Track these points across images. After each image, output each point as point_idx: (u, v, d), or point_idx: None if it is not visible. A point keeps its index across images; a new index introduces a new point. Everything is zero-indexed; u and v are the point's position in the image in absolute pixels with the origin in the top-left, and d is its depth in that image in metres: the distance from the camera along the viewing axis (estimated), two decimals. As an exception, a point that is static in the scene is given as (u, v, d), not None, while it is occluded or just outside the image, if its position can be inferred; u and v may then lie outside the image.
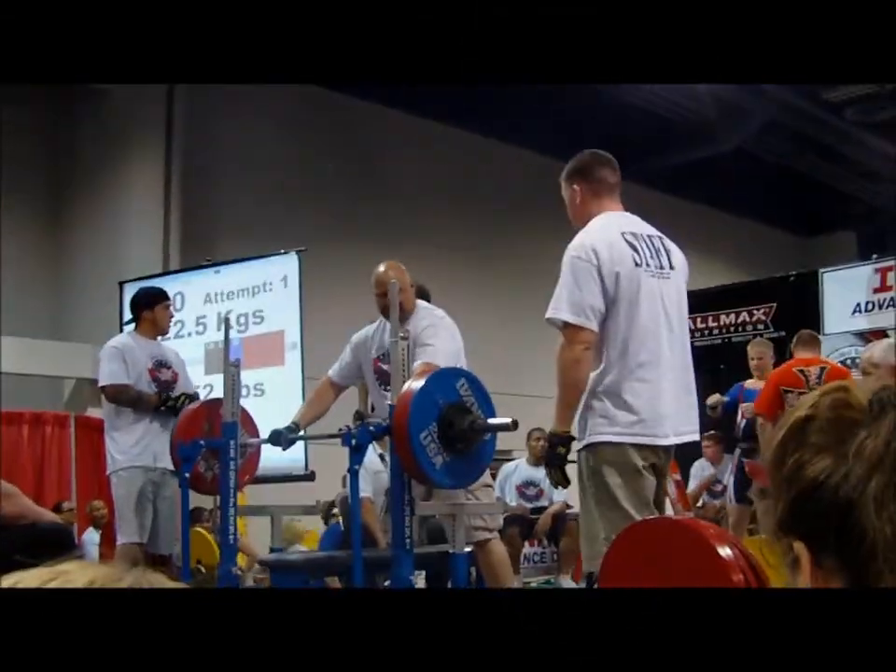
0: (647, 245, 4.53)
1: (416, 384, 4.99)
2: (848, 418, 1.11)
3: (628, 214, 4.71)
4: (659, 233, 4.70)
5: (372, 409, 7.40)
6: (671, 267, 4.58)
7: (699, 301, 12.42)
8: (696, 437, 4.64)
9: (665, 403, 4.40)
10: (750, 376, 9.08)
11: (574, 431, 4.45)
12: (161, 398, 6.81)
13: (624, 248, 4.42)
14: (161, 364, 7.03)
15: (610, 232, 4.46)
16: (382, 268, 6.07)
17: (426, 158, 15.27)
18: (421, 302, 6.06)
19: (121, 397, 6.84)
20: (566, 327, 4.32)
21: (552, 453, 4.46)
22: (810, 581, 1.09)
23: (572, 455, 4.46)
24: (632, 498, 4.32)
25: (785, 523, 1.12)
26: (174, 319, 7.73)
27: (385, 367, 5.97)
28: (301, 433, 6.36)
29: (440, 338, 5.77)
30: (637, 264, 4.41)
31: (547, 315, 4.39)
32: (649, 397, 4.36)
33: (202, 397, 8.60)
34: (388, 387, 5.89)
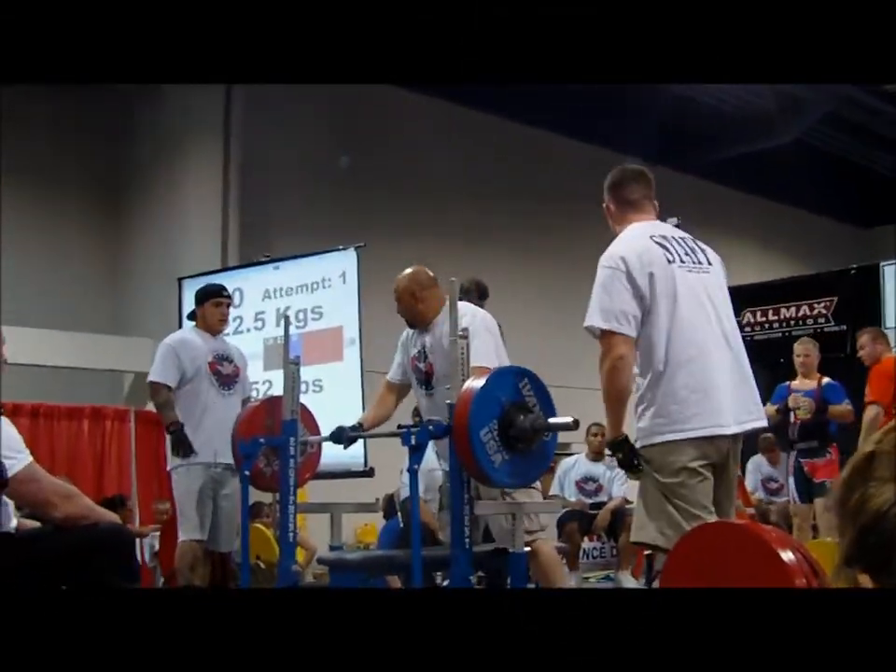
0: (678, 245, 4.59)
1: (478, 382, 4.99)
2: None
3: (657, 222, 4.78)
4: (690, 236, 4.76)
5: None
6: (708, 262, 4.64)
7: (759, 295, 12.35)
8: (762, 423, 4.62)
9: (720, 394, 4.39)
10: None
11: (633, 430, 4.47)
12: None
13: (655, 249, 4.48)
14: (222, 358, 7.07)
15: (638, 239, 4.53)
16: (399, 277, 6.10)
17: (483, 153, 15.26)
18: (462, 304, 5.98)
19: (155, 396, 6.94)
20: (601, 334, 4.38)
21: (619, 459, 4.51)
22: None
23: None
24: (687, 499, 4.33)
25: (850, 557, 1.12)
26: (232, 315, 7.76)
27: (420, 366, 6.06)
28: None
29: (479, 338, 5.74)
30: (669, 261, 4.46)
31: (584, 325, 4.46)
32: (702, 389, 4.36)
33: (260, 393, 8.65)
34: (427, 386, 6.04)
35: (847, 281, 11.80)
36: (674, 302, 4.42)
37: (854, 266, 11.97)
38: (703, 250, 4.69)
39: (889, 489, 1.10)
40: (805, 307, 11.90)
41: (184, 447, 6.76)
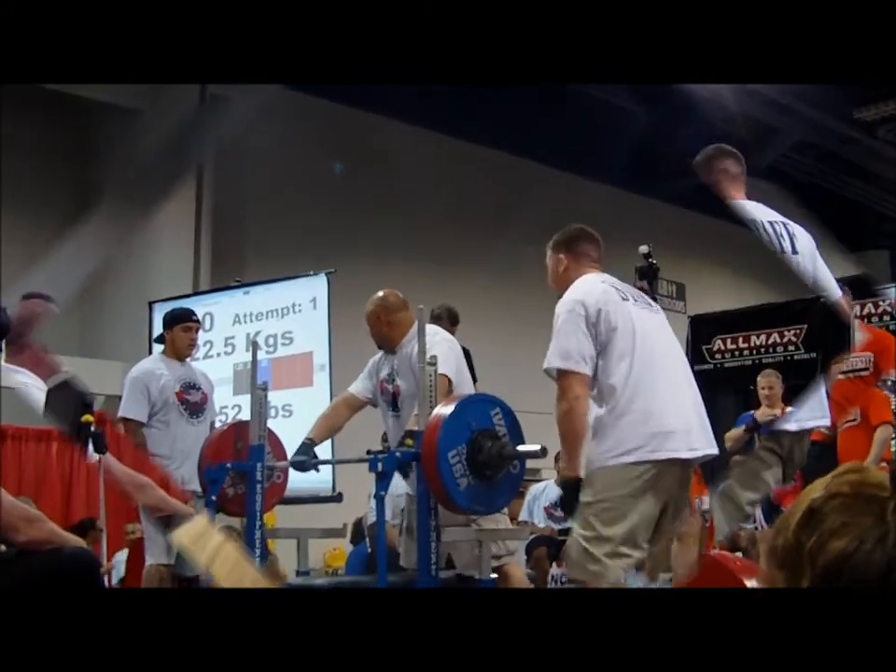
0: (627, 289, 4.88)
1: (449, 407, 5.01)
2: (868, 494, 1.12)
3: (606, 275, 4.99)
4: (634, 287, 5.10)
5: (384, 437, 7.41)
6: (655, 308, 4.96)
7: (729, 322, 12.38)
8: (714, 452, 4.70)
9: (674, 421, 4.54)
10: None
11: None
12: None
13: (609, 289, 4.74)
14: (189, 386, 7.05)
15: (592, 284, 4.78)
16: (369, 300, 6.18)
17: (456, 179, 15.28)
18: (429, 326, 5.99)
19: (128, 434, 6.92)
20: (559, 374, 4.58)
21: (566, 498, 4.65)
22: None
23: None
24: (635, 516, 4.46)
25: None
26: (202, 340, 7.74)
27: (389, 387, 6.10)
28: (321, 453, 6.38)
29: (439, 347, 5.75)
30: (623, 299, 4.72)
31: (543, 367, 4.65)
32: (658, 416, 4.51)
33: (229, 418, 8.63)
34: (394, 408, 6.09)
35: (816, 309, 11.74)
36: (632, 333, 4.61)
37: (824, 293, 12.00)
38: (647, 293, 5.06)
39: (850, 530, 1.10)
40: (776, 335, 11.92)
41: None
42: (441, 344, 5.71)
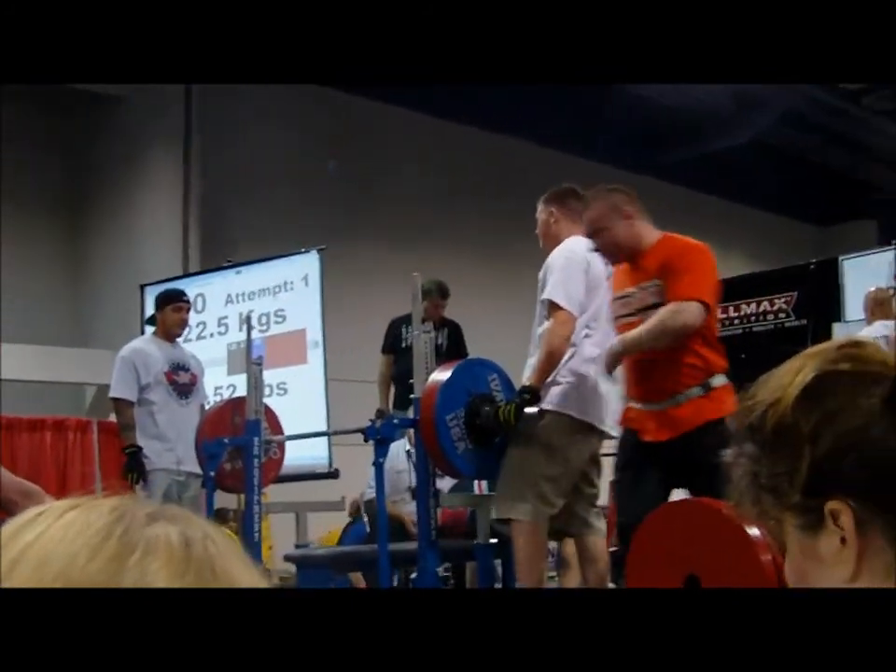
0: (608, 266, 5.29)
1: (446, 373, 5.05)
2: (873, 372, 1.10)
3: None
4: None
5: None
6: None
7: (719, 292, 12.39)
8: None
9: (607, 397, 5.19)
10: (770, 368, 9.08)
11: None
12: (126, 449, 6.78)
13: (595, 260, 5.17)
14: (178, 367, 7.03)
15: (588, 248, 5.16)
16: None
17: (447, 156, 15.24)
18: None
19: (119, 416, 6.91)
20: (557, 309, 5.04)
21: (521, 402, 5.06)
22: (854, 536, 1.07)
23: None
24: (553, 468, 5.03)
25: (815, 482, 1.10)
26: (195, 321, 7.72)
27: None
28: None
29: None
30: (606, 277, 5.21)
31: (544, 296, 5.13)
32: (601, 387, 5.13)
33: (224, 398, 8.63)
34: None
35: (806, 276, 11.84)
36: (599, 312, 5.18)
37: (813, 261, 12.02)
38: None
39: (857, 408, 1.09)
40: (766, 303, 11.92)
41: (137, 472, 6.69)
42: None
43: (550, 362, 5.04)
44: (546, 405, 5.07)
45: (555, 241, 5.39)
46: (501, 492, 5.09)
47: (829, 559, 1.10)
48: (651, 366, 4.74)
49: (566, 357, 5.09)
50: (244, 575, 0.71)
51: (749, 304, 12.05)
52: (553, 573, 8.80)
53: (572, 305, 5.05)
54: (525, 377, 5.20)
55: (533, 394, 5.05)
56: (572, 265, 5.14)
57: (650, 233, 4.92)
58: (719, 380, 4.73)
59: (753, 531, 3.44)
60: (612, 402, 5.21)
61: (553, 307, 5.06)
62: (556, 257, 5.23)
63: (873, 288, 9.17)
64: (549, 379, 5.09)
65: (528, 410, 5.05)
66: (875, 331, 8.15)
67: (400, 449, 7.41)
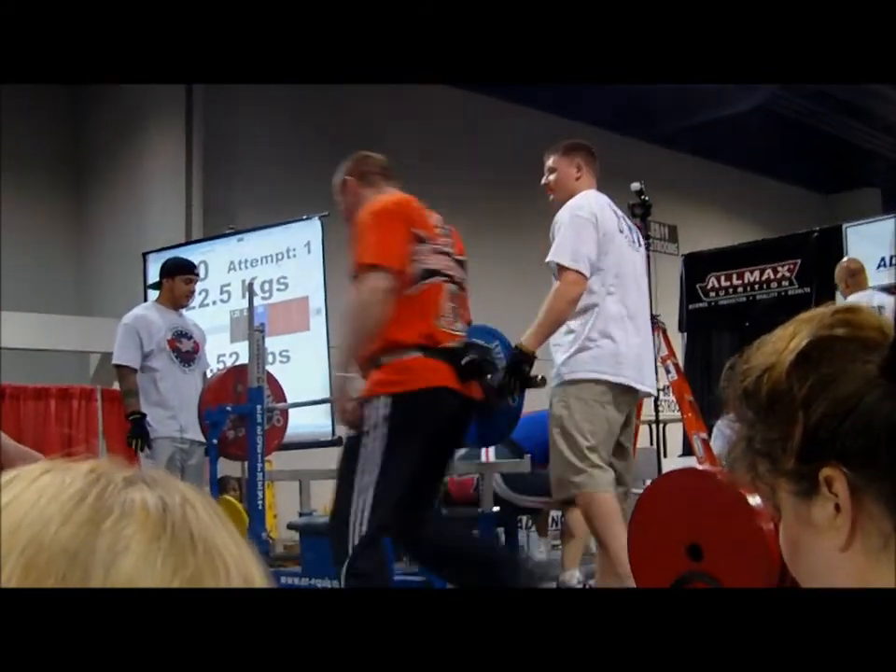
0: (624, 220, 5.20)
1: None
2: (865, 338, 1.10)
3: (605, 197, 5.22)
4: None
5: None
6: (638, 244, 5.27)
7: (722, 259, 12.41)
8: (653, 392, 5.33)
9: (637, 354, 4.99)
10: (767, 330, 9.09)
11: (556, 367, 4.99)
12: (130, 416, 6.78)
13: (611, 215, 5.02)
14: (181, 334, 7.03)
15: (601, 202, 5.05)
16: None
17: (449, 122, 15.20)
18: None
19: (121, 382, 6.91)
20: (564, 270, 4.80)
21: (517, 366, 4.69)
22: (848, 503, 1.07)
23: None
24: (592, 436, 4.79)
25: (810, 448, 1.09)
26: (198, 288, 7.72)
27: None
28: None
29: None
30: (620, 231, 5.04)
31: (547, 259, 4.91)
32: (627, 345, 4.92)
33: (227, 366, 8.64)
34: None
35: (810, 244, 11.85)
36: (618, 267, 4.96)
37: (817, 229, 12.02)
38: (635, 230, 5.35)
39: (853, 374, 1.08)
40: (769, 271, 11.94)
41: (142, 439, 6.70)
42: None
43: (548, 323, 4.80)
44: (579, 373, 4.85)
45: (571, 194, 5.12)
46: (554, 474, 4.90)
47: (822, 525, 1.10)
48: None
49: (590, 320, 4.87)
50: (224, 540, 0.70)
51: (752, 272, 12.07)
52: (557, 542, 8.84)
53: (580, 264, 4.81)
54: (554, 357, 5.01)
55: (526, 356, 4.73)
56: (578, 221, 4.88)
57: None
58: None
59: (754, 500, 3.44)
60: (647, 359, 5.11)
61: (559, 269, 4.83)
62: (562, 214, 4.98)
63: (845, 259, 9.19)
64: (576, 347, 4.86)
65: (565, 378, 4.88)
66: (868, 298, 8.17)
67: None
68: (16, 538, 0.64)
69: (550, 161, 5.27)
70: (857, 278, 8.82)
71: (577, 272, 4.77)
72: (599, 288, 4.87)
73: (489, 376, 4.99)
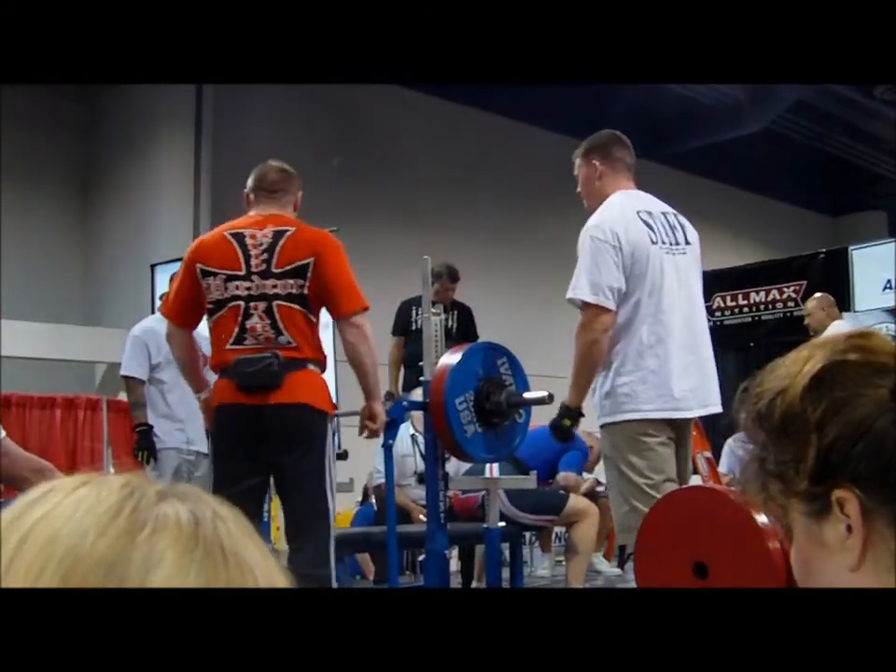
0: (662, 223, 4.62)
1: (456, 356, 5.04)
2: (880, 363, 1.12)
3: (642, 193, 4.77)
4: (673, 210, 4.77)
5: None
6: (686, 242, 4.67)
7: (728, 280, 12.41)
8: (718, 409, 4.62)
9: (681, 378, 4.46)
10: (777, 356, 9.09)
11: (594, 408, 4.59)
12: (137, 427, 6.81)
13: (640, 227, 4.50)
14: None
15: (627, 211, 4.54)
16: None
17: (459, 140, 15.25)
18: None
19: (129, 394, 6.93)
20: (585, 307, 4.42)
21: (558, 423, 4.62)
22: (860, 524, 1.09)
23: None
24: (651, 472, 4.40)
25: (822, 470, 1.11)
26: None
27: None
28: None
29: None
30: (652, 242, 4.50)
31: (567, 296, 4.49)
32: (665, 372, 4.43)
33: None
34: None
35: (816, 265, 11.88)
36: (651, 286, 4.46)
37: (823, 250, 12.05)
38: (683, 227, 4.71)
39: (866, 398, 1.10)
40: (775, 291, 11.96)
41: (148, 451, 6.71)
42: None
43: (581, 371, 4.47)
44: (616, 415, 4.45)
45: (601, 198, 4.65)
46: (618, 520, 4.56)
47: (834, 546, 1.12)
48: None
49: (619, 355, 4.46)
50: (253, 554, 0.71)
51: (757, 292, 12.09)
52: (561, 558, 8.85)
53: (601, 297, 4.38)
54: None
55: (571, 414, 4.55)
56: (596, 245, 4.41)
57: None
58: None
59: (761, 518, 3.44)
60: (697, 375, 4.54)
61: (582, 304, 4.44)
62: (582, 235, 4.51)
63: (820, 294, 9.18)
64: (607, 387, 4.48)
65: (604, 421, 4.52)
66: (841, 326, 8.18)
67: (405, 434, 7.44)
68: (53, 548, 0.66)
69: (575, 168, 4.86)
70: (835, 308, 8.87)
71: (598, 307, 4.38)
72: (628, 317, 4.44)
73: (497, 391, 5.01)
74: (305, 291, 4.50)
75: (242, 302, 4.50)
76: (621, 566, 9.19)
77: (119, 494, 0.70)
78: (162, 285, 8.05)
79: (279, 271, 4.49)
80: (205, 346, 7.12)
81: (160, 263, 10.38)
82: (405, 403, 5.40)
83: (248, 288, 4.48)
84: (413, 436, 7.56)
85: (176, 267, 8.04)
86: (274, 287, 4.48)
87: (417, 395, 5.78)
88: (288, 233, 4.60)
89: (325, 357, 4.71)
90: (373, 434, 4.86)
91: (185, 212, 12.39)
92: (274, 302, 4.48)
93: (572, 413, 4.56)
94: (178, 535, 0.68)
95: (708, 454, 8.20)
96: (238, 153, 13.06)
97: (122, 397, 10.74)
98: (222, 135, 12.83)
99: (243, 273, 4.49)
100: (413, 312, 8.04)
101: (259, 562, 0.72)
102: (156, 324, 7.12)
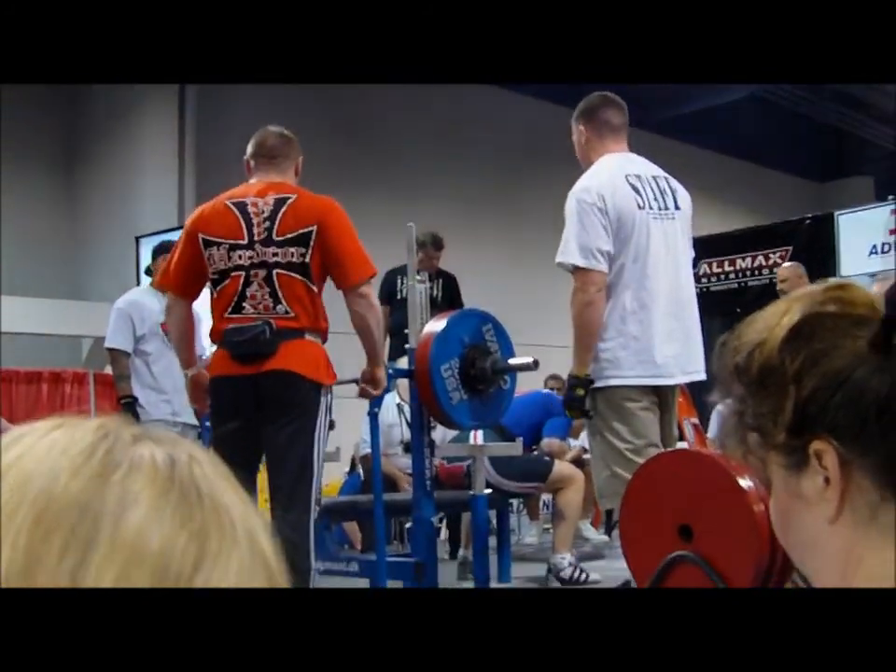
0: (651, 187, 4.60)
1: (440, 323, 5.04)
2: (855, 314, 1.11)
3: (632, 155, 4.76)
4: (664, 174, 4.75)
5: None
6: (676, 207, 4.64)
7: (715, 246, 12.39)
8: (702, 376, 4.59)
9: (663, 344, 4.45)
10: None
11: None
12: (121, 399, 6.81)
13: (628, 191, 4.48)
14: None
15: (614, 175, 4.52)
16: None
17: (438, 106, 15.20)
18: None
19: (114, 366, 6.94)
20: (576, 270, 4.39)
21: (571, 395, 4.50)
22: (837, 476, 1.09)
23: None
24: (633, 437, 4.40)
25: (800, 422, 1.11)
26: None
27: None
28: None
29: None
30: (640, 207, 4.48)
31: (557, 260, 4.47)
32: (647, 338, 4.43)
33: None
34: None
35: (801, 231, 11.86)
36: (637, 250, 4.44)
37: (809, 216, 12.04)
38: (674, 191, 4.69)
39: (844, 350, 1.10)
40: (761, 257, 11.96)
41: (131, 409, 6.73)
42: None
43: (580, 338, 4.45)
44: (599, 381, 4.45)
45: (588, 163, 4.68)
46: (599, 485, 4.55)
47: (812, 498, 1.12)
48: None
49: (603, 315, 4.44)
50: (230, 497, 0.71)
51: (744, 259, 12.08)
52: (548, 525, 8.88)
53: (591, 260, 4.37)
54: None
55: (580, 383, 4.46)
56: (583, 208, 4.40)
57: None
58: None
59: (745, 481, 3.45)
60: (680, 342, 4.50)
61: (573, 269, 4.42)
62: (568, 199, 4.49)
63: (788, 264, 9.18)
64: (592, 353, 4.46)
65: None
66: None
67: (391, 403, 7.45)
68: (27, 489, 0.65)
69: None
70: (806, 277, 8.87)
71: (589, 269, 4.37)
72: (612, 282, 4.43)
73: (482, 358, 5.01)
74: (307, 260, 4.45)
75: (243, 272, 4.48)
76: (608, 532, 9.21)
77: (94, 436, 0.68)
78: (147, 257, 8.01)
79: (280, 238, 4.47)
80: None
81: (144, 236, 10.36)
82: (391, 371, 5.39)
83: (251, 257, 4.47)
84: (398, 405, 7.57)
85: (160, 239, 8.07)
86: (275, 255, 4.45)
87: (403, 363, 5.78)
88: (290, 201, 4.58)
89: (326, 327, 4.64)
90: (370, 398, 4.91)
91: (169, 185, 12.35)
92: (274, 271, 4.45)
93: (582, 381, 4.46)
94: (154, 476, 0.67)
95: (695, 420, 8.19)
96: (222, 125, 13.03)
97: (109, 370, 10.71)
98: (206, 107, 12.77)
99: (245, 241, 4.47)
100: (399, 280, 8.02)
101: (237, 504, 0.71)
102: (140, 296, 7.11)
